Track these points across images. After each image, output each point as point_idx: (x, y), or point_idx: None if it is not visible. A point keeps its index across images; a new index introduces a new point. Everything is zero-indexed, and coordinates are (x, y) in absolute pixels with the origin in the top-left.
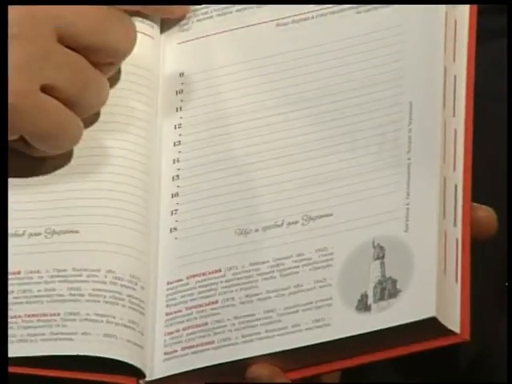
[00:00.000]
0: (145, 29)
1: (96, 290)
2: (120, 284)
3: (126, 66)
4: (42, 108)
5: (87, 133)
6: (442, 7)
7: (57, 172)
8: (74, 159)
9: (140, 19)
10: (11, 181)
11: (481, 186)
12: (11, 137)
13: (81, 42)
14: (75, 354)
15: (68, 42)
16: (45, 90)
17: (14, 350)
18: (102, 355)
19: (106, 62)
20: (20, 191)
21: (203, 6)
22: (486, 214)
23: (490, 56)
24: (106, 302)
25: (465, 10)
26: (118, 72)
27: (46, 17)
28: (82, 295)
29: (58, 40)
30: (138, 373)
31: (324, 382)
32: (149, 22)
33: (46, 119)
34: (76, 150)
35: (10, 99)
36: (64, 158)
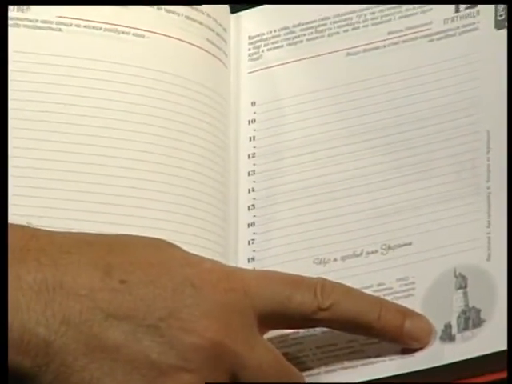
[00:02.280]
0: (222, 58)
1: None
2: None
3: (200, 95)
4: None
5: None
6: None
7: None
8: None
9: (215, 45)
10: None
11: None
12: None
13: None
14: None
15: (235, 380)
16: None
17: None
18: None
19: None
20: None
21: (273, 35)
22: None
23: None
24: None
25: None
26: (194, 101)
27: (230, 360)
28: None
29: (231, 379)
30: None
31: None
32: (224, 50)
33: None
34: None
35: None
36: None
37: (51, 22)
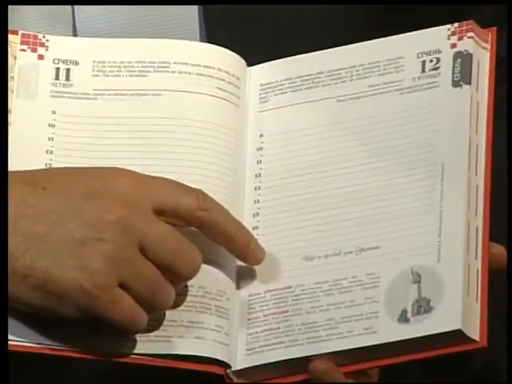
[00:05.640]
0: (234, 100)
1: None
2: (209, 297)
3: (221, 128)
4: (115, 300)
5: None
6: (468, 93)
7: None
8: None
9: (230, 92)
10: None
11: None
12: (90, 318)
13: (157, 258)
14: (178, 352)
15: (146, 255)
16: (121, 286)
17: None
18: (194, 353)
19: (170, 279)
20: None
21: (279, 83)
22: (499, 250)
23: None
24: (197, 311)
25: (485, 94)
26: (215, 132)
27: (135, 231)
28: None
29: (140, 250)
30: (225, 364)
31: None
32: (236, 94)
33: (119, 309)
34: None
35: (92, 290)
36: None
37: (88, 94)
